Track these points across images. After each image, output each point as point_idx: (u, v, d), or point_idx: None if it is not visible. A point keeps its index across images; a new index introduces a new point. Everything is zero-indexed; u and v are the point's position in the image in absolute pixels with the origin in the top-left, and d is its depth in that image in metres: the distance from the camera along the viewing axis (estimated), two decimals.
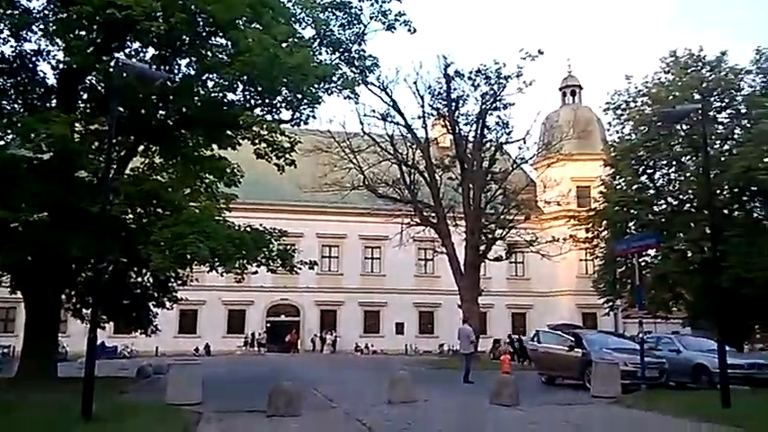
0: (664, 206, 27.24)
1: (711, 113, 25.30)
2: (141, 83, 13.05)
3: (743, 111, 25.79)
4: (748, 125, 25.24)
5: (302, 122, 18.34)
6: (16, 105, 16.48)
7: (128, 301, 19.63)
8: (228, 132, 17.59)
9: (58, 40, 15.60)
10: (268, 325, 41.95)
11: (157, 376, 18.41)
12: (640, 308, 16.88)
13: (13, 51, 16.23)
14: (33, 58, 16.49)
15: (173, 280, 19.94)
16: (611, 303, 29.98)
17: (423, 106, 30.19)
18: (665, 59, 27.79)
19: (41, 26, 15.66)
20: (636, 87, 28.17)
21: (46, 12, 15.62)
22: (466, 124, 30.46)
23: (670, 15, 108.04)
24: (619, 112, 28.63)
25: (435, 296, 41.49)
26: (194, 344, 38.13)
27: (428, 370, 24.01)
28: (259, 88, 16.66)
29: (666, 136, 26.15)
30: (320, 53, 18.76)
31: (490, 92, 29.44)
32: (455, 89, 29.77)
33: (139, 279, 19.61)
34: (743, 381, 15.04)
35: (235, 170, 17.99)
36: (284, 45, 15.73)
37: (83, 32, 15.07)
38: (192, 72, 16.52)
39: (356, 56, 20.48)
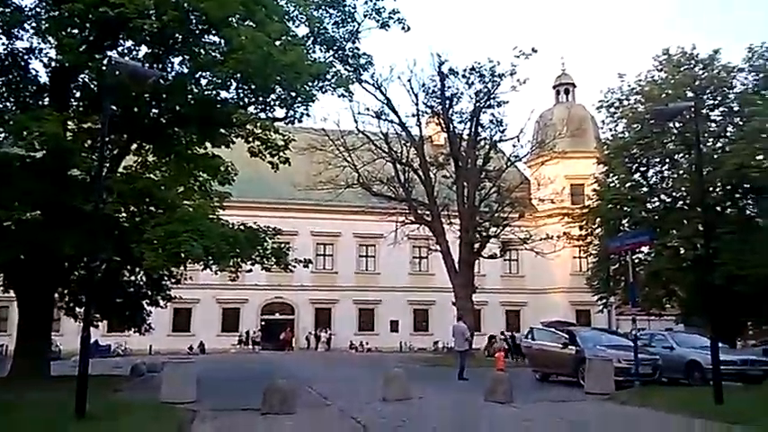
0: (657, 203, 27.35)
1: (704, 111, 25.40)
2: (134, 81, 13.01)
3: (735, 108, 25.89)
4: (741, 123, 25.35)
5: (296, 120, 18.31)
6: (8, 104, 16.37)
7: (121, 299, 19.57)
8: (222, 130, 17.55)
9: (50, 38, 15.49)
10: (262, 323, 41.90)
11: (151, 374, 18.38)
12: (634, 305, 16.97)
13: (4, 49, 16.12)
14: (25, 57, 16.38)
15: (166, 278, 19.88)
16: (604, 300, 30.09)
17: (417, 104, 30.28)
18: (657, 58, 27.89)
19: (33, 24, 15.58)
20: (629, 85, 28.27)
21: (38, 9, 15.53)
22: (460, 122, 30.56)
23: (663, 14, 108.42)
24: (612, 110, 28.73)
25: (430, 294, 41.55)
26: (188, 342, 38.03)
27: (423, 367, 24.04)
28: (252, 86, 16.61)
29: (659, 134, 26.25)
30: (314, 51, 18.73)
31: (484, 90, 29.51)
32: (449, 87, 29.86)
33: (133, 277, 19.55)
34: (735, 377, 15.11)
35: (228, 168, 17.95)
36: (278, 43, 15.69)
37: (75, 30, 14.99)
38: (186, 70, 16.45)
39: (350, 54, 20.45)
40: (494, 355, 25.76)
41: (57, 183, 14.74)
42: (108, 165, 15.87)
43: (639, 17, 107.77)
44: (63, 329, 27.37)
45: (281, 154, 18.05)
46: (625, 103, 28.31)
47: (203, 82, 16.75)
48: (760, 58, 25.82)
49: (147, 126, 16.80)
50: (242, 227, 16.81)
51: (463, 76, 29.40)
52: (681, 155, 26.57)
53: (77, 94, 16.75)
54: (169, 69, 16.45)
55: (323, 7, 18.91)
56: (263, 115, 17.79)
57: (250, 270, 17.91)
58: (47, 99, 16.28)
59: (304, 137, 25.90)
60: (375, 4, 20.59)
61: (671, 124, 25.03)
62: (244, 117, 17.08)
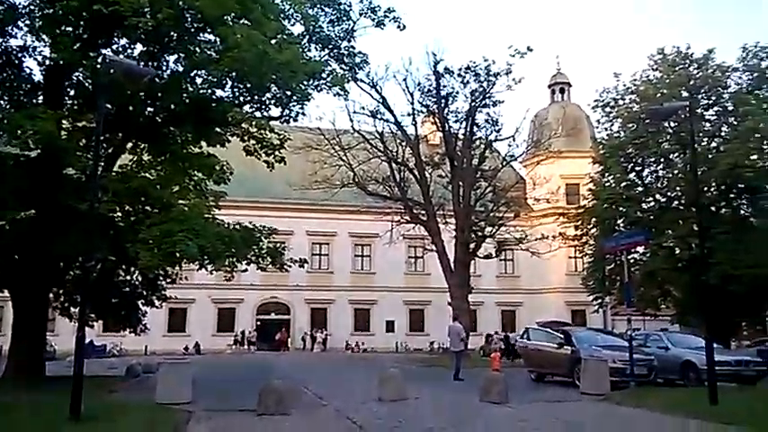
0: (652, 203, 27.40)
1: (699, 111, 25.47)
2: (129, 79, 12.94)
3: (730, 108, 25.96)
4: (735, 122, 25.42)
5: (292, 119, 18.26)
6: (2, 102, 16.25)
7: (116, 299, 19.50)
8: (217, 129, 17.48)
9: (44, 36, 15.39)
10: (258, 323, 41.83)
11: (147, 375, 18.31)
12: (629, 305, 16.98)
13: None
14: (19, 54, 16.28)
15: (161, 278, 19.81)
16: (600, 300, 30.14)
17: (412, 103, 30.27)
18: (653, 57, 27.94)
19: (27, 22, 15.49)
20: (624, 85, 28.33)
21: (32, 7, 15.42)
22: (455, 121, 30.53)
23: (658, 13, 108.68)
24: (607, 109, 28.78)
25: (425, 294, 41.54)
26: (184, 342, 37.94)
27: (418, 368, 24.04)
28: (248, 85, 16.55)
29: (654, 133, 26.30)
30: (309, 50, 18.70)
31: (479, 89, 29.50)
32: (444, 86, 29.83)
33: (128, 277, 19.48)
34: (730, 378, 15.16)
35: (224, 167, 17.89)
36: (273, 41, 15.64)
37: (69, 28, 14.90)
38: (181, 68, 16.38)
39: (345, 52, 20.43)
40: (489, 355, 25.80)
41: (51, 182, 14.67)
42: (103, 164, 15.79)
43: (635, 16, 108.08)
44: (58, 329, 27.23)
45: (277, 153, 18.00)
46: (620, 102, 28.36)
47: (198, 80, 16.68)
48: (754, 57, 25.90)
49: (142, 125, 16.72)
50: (237, 226, 16.76)
51: (458, 75, 29.43)
52: (676, 154, 26.65)
53: (72, 93, 16.67)
54: (164, 68, 16.38)
55: (318, 6, 18.86)
56: (258, 114, 17.74)
57: (245, 270, 17.87)
58: (41, 97, 16.18)
59: (299, 136, 25.87)
60: (370, 2, 20.60)
61: (666, 124, 25.07)
62: (239, 116, 17.03)
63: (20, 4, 15.43)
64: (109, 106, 14.66)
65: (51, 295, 18.23)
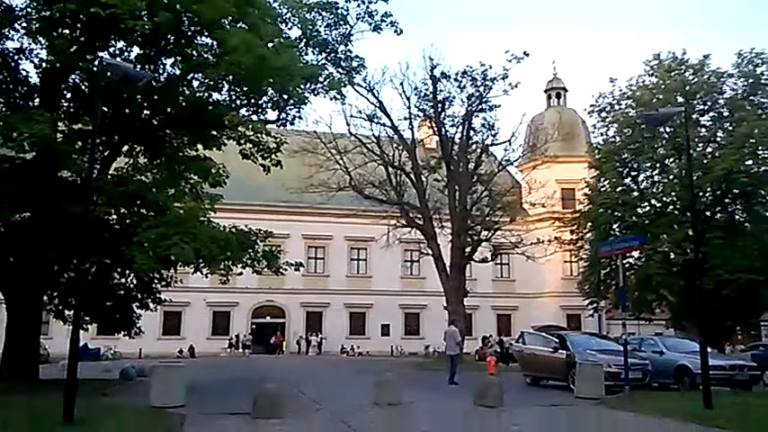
0: (647, 208, 27.49)
1: (694, 116, 25.61)
2: (126, 82, 12.93)
3: (725, 114, 26.12)
4: (730, 128, 25.56)
5: (288, 123, 18.27)
6: None
7: (111, 302, 19.39)
8: (214, 132, 17.47)
9: (41, 39, 15.38)
10: (253, 327, 41.76)
11: (141, 378, 18.25)
12: (623, 309, 17.01)
13: None
14: (16, 57, 16.25)
15: (156, 281, 19.74)
16: (595, 305, 30.20)
17: (409, 107, 30.36)
18: (648, 62, 28.08)
19: (24, 24, 15.46)
20: (620, 90, 28.46)
21: (29, 10, 15.40)
22: (452, 126, 30.63)
23: (655, 19, 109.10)
24: (603, 114, 28.90)
25: (421, 298, 41.54)
26: (178, 346, 37.84)
27: (414, 372, 24.02)
28: (245, 88, 16.55)
29: (650, 138, 26.41)
30: (306, 53, 18.68)
31: (476, 93, 29.58)
32: (441, 90, 29.91)
33: (123, 280, 19.40)
34: (725, 382, 15.22)
35: (220, 171, 17.84)
36: (270, 45, 15.64)
37: (66, 31, 14.89)
38: (178, 72, 16.37)
39: (343, 56, 20.40)
40: (484, 359, 25.79)
41: (47, 185, 14.63)
42: (98, 167, 15.78)
43: (631, 22, 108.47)
44: (52, 332, 27.13)
45: (273, 156, 18.00)
46: (616, 107, 28.48)
47: (195, 84, 16.69)
48: (749, 63, 26.05)
49: (139, 128, 16.70)
50: (233, 229, 16.72)
51: (455, 79, 29.51)
52: (671, 160, 26.75)
53: (68, 96, 16.63)
54: (161, 71, 16.38)
55: (316, 10, 18.86)
56: (255, 117, 17.73)
57: (241, 273, 17.83)
58: (37, 100, 16.16)
59: (296, 139, 25.85)
60: (368, 6, 20.55)
61: (661, 129, 25.19)
62: (236, 119, 17.02)
63: (16, 6, 15.42)
64: (105, 109, 14.64)
65: (45, 298, 18.16)
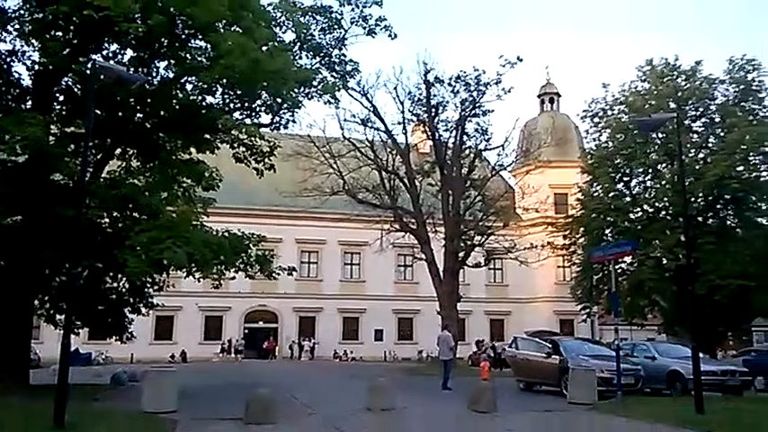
0: (640, 213, 27.61)
1: (686, 122, 25.76)
2: (119, 85, 12.87)
3: (717, 120, 26.28)
4: (722, 134, 25.74)
5: (282, 127, 18.24)
6: None
7: (102, 306, 19.25)
8: (207, 136, 17.42)
9: (33, 41, 15.31)
10: (246, 331, 41.60)
11: (132, 383, 18.13)
12: (616, 315, 17.04)
13: None
14: (8, 59, 16.15)
15: (149, 285, 19.61)
16: (587, 310, 30.26)
17: (403, 112, 30.41)
18: (641, 68, 28.24)
19: (17, 26, 15.38)
20: (613, 96, 28.61)
21: (21, 12, 15.33)
22: (446, 130, 30.67)
23: (648, 24, 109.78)
24: (596, 119, 29.04)
25: (414, 303, 41.53)
26: (170, 350, 37.62)
27: (407, 377, 23.97)
28: (239, 92, 16.52)
29: (642, 144, 26.54)
30: (300, 57, 18.70)
31: (469, 98, 29.66)
32: (435, 95, 29.98)
33: (115, 284, 19.28)
34: (716, 387, 15.25)
35: (213, 174, 17.79)
36: (264, 49, 15.64)
37: (59, 33, 14.83)
38: (171, 75, 16.33)
39: (337, 60, 20.43)
40: (478, 364, 25.78)
41: (38, 188, 14.53)
42: (91, 170, 15.68)
43: (625, 27, 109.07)
44: (42, 337, 26.94)
45: (267, 160, 17.95)
46: (609, 113, 28.62)
47: (189, 87, 16.64)
48: (740, 70, 26.24)
49: (132, 131, 16.63)
50: (226, 233, 16.65)
51: (449, 84, 29.59)
52: (663, 165, 26.89)
53: (61, 98, 16.56)
54: (154, 74, 16.33)
55: (310, 14, 18.89)
56: (248, 121, 17.69)
57: (233, 277, 17.75)
58: (29, 102, 16.05)
59: (290, 143, 25.85)
60: (362, 11, 20.61)
61: (654, 135, 25.32)
62: (229, 123, 16.97)
63: (9, 8, 15.36)
64: (98, 112, 14.57)
65: (36, 302, 18.02)
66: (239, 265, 16.76)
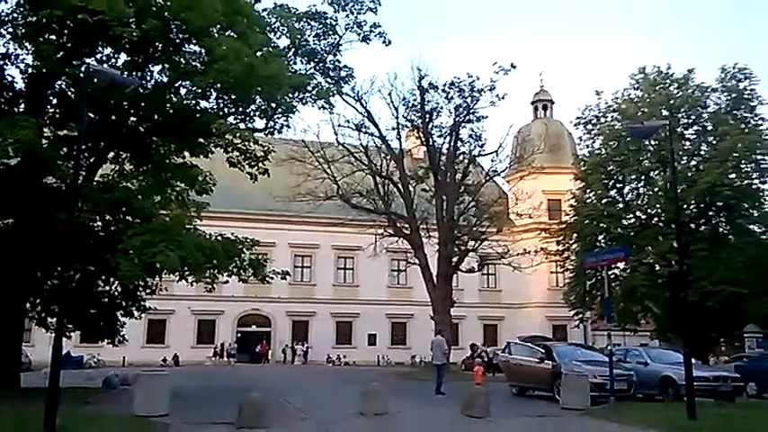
0: (632, 220, 27.76)
1: (679, 130, 25.95)
2: (112, 89, 12.86)
3: (709, 128, 26.46)
4: (714, 142, 25.90)
5: (276, 131, 18.25)
6: None
7: (95, 310, 19.17)
8: (201, 140, 17.41)
9: (27, 44, 15.27)
10: (238, 335, 41.46)
11: (124, 387, 18.04)
12: (609, 320, 17.09)
13: None
14: (1, 62, 16.09)
15: (141, 289, 19.56)
16: (580, 315, 30.35)
17: (397, 117, 30.49)
18: (634, 76, 28.43)
19: (10, 29, 15.32)
20: (606, 103, 28.80)
21: (15, 15, 15.27)
22: (440, 136, 30.80)
23: (641, 32, 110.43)
24: (589, 126, 29.21)
25: (408, 307, 41.46)
26: (162, 354, 37.46)
27: (400, 381, 23.94)
28: (233, 96, 16.53)
29: (635, 151, 26.69)
30: (295, 63, 18.71)
31: (463, 104, 29.80)
32: (429, 101, 30.11)
33: (107, 288, 19.21)
34: (709, 393, 15.32)
35: (206, 178, 17.77)
36: (259, 54, 15.66)
37: (53, 37, 14.79)
38: (165, 79, 16.31)
39: (331, 66, 20.45)
40: (471, 369, 25.77)
41: (31, 191, 14.47)
42: (84, 173, 15.65)
43: (617, 35, 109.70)
44: (34, 340, 26.77)
45: (261, 165, 17.92)
46: (602, 120, 28.79)
47: (183, 91, 16.63)
48: (732, 78, 26.45)
49: (125, 134, 16.60)
50: (219, 237, 16.62)
51: (443, 90, 29.72)
52: (656, 172, 27.06)
53: (54, 101, 16.51)
54: (149, 78, 16.31)
55: (304, 19, 18.92)
56: (242, 126, 17.68)
57: (227, 281, 17.72)
58: (23, 106, 16.00)
59: (284, 148, 25.82)
60: (356, 17, 20.65)
61: (647, 142, 25.49)
62: (223, 127, 16.94)
63: (2, 11, 15.30)
64: (91, 115, 14.54)
65: (28, 305, 17.93)
66: (232, 269, 16.75)
